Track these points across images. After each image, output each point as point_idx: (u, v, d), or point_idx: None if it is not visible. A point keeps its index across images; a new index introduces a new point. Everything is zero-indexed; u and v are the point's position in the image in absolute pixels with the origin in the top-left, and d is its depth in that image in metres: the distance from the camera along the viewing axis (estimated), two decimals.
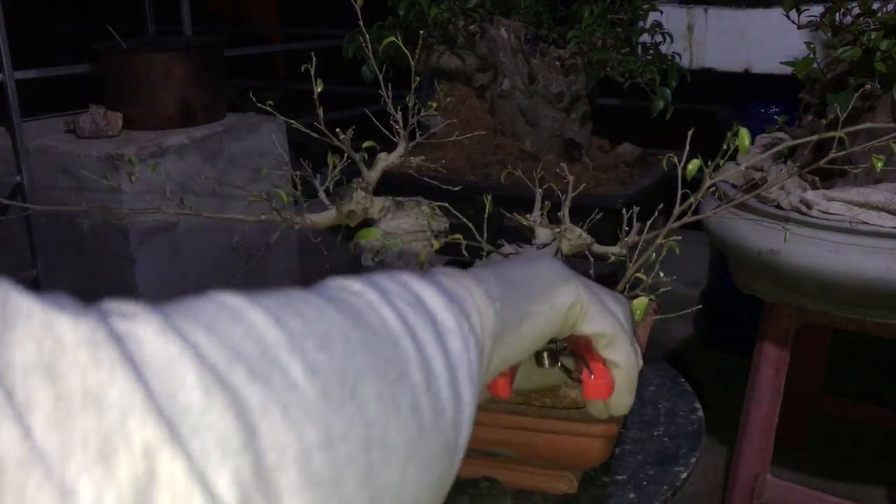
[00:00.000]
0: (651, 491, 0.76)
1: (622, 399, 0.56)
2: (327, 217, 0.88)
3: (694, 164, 0.64)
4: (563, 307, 0.51)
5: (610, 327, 0.53)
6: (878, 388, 2.15)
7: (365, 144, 0.85)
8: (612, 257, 0.79)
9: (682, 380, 0.97)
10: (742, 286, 1.42)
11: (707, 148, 0.87)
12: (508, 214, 0.85)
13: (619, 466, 0.80)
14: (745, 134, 0.59)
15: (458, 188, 0.93)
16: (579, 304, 0.52)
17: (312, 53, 0.85)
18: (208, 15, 4.59)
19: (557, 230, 0.81)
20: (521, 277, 0.51)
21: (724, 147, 0.61)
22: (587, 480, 0.77)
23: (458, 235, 0.82)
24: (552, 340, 0.56)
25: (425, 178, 0.96)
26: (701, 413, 0.90)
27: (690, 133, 0.66)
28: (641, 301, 0.71)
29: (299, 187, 0.90)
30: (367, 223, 0.87)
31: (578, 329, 0.53)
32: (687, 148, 0.64)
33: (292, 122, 0.91)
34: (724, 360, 2.30)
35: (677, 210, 0.67)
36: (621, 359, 0.54)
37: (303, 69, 0.86)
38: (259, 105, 0.90)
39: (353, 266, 0.86)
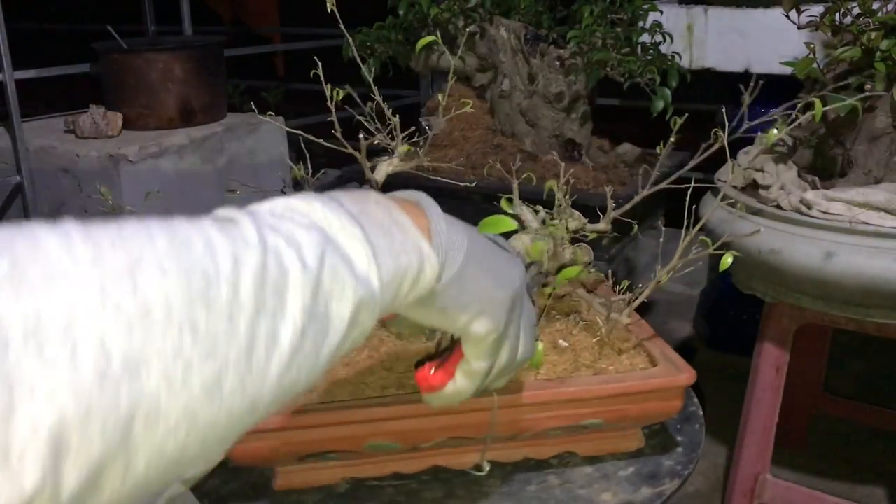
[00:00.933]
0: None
1: (460, 394, 0.61)
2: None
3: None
4: (473, 331, 0.57)
5: (487, 352, 0.58)
6: (878, 388, 2.15)
7: (404, 148, 0.86)
8: (595, 234, 0.88)
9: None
10: (742, 286, 1.41)
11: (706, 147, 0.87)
12: (497, 206, 0.87)
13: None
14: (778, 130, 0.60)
15: (471, 184, 0.93)
16: (485, 336, 0.57)
17: (316, 58, 0.85)
18: (208, 15, 4.59)
19: (545, 212, 0.85)
20: (482, 275, 0.56)
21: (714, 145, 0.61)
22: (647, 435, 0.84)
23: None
24: None
25: (427, 177, 0.96)
26: (700, 412, 0.91)
27: (674, 119, 0.66)
28: (572, 269, 0.78)
29: (307, 189, 0.90)
30: None
31: (468, 325, 0.57)
32: (673, 139, 0.64)
33: (299, 133, 0.91)
34: (724, 360, 2.30)
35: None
36: (479, 365, 0.59)
37: (311, 74, 0.86)
38: (260, 114, 0.90)
39: None
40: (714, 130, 0.82)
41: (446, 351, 0.63)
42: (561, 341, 0.84)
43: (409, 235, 0.50)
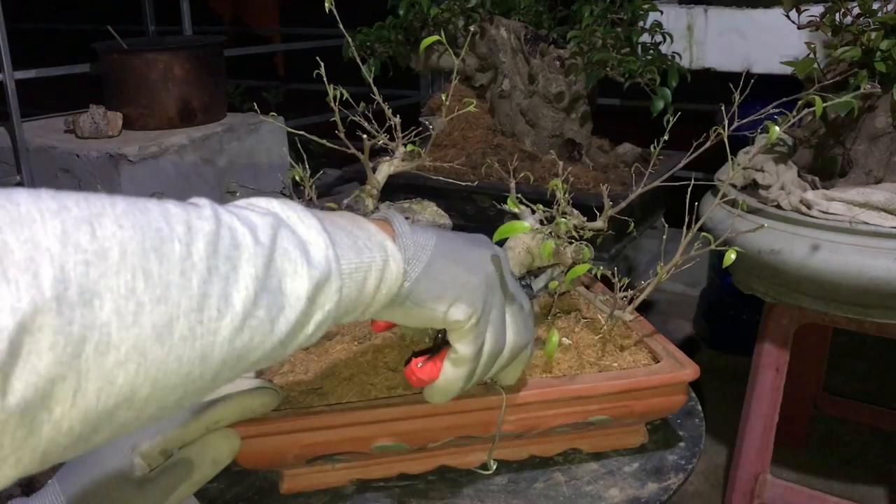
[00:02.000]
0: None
1: (452, 383, 0.62)
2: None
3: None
4: (453, 318, 0.59)
5: (469, 319, 0.59)
6: (878, 388, 2.15)
7: (407, 148, 0.86)
8: (591, 232, 0.88)
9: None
10: (742, 286, 1.42)
11: (706, 148, 0.87)
12: (499, 206, 0.88)
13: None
14: (774, 132, 0.59)
15: (472, 183, 0.93)
16: (465, 321, 0.59)
17: (318, 58, 0.85)
18: (208, 15, 4.59)
19: (544, 211, 0.85)
20: (451, 265, 0.59)
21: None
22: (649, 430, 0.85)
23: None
24: None
25: (425, 178, 0.96)
26: (698, 406, 0.91)
27: (668, 119, 0.66)
28: (580, 268, 0.78)
29: (304, 188, 0.90)
30: None
31: (447, 313, 0.59)
32: (665, 137, 0.64)
33: (300, 133, 0.91)
34: (724, 360, 2.30)
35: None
36: (464, 350, 0.60)
37: (314, 74, 0.86)
38: (261, 116, 0.90)
39: None
40: (714, 128, 0.82)
41: (436, 347, 0.64)
42: (564, 339, 0.84)
43: (372, 236, 0.54)
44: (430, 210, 0.90)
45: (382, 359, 0.81)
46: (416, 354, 0.64)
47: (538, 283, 0.78)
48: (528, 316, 0.67)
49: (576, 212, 0.89)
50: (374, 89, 0.87)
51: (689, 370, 0.78)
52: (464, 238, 0.64)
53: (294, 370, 0.79)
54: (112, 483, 0.59)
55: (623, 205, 0.89)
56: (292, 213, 0.49)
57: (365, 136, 0.86)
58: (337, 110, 0.83)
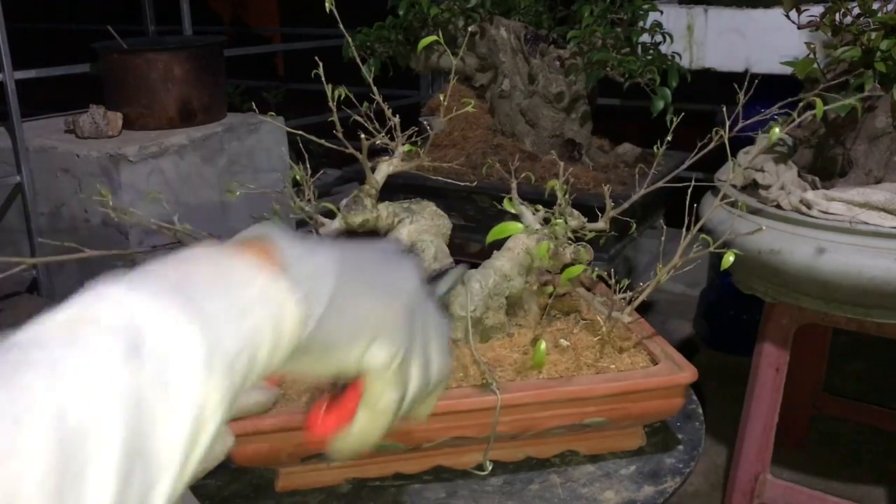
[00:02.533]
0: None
1: (368, 435, 0.50)
2: (332, 230, 0.88)
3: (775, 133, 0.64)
4: (372, 362, 0.47)
5: (389, 363, 0.48)
6: (878, 388, 2.15)
7: (405, 148, 0.86)
8: (593, 233, 0.88)
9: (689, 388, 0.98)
10: (742, 286, 1.41)
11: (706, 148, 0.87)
12: (499, 206, 0.88)
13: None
14: (774, 133, 0.59)
15: (472, 183, 0.93)
16: (388, 363, 0.48)
17: (316, 58, 0.85)
18: (208, 15, 4.59)
19: (545, 212, 0.85)
20: (364, 293, 0.47)
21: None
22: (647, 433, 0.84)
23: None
24: None
25: (425, 178, 0.96)
26: (699, 410, 0.91)
27: (671, 120, 0.66)
28: (575, 269, 0.78)
29: (305, 190, 0.90)
30: (374, 231, 0.88)
31: (365, 355, 0.48)
32: (668, 139, 0.64)
33: (300, 133, 0.91)
34: (724, 360, 2.30)
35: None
36: (387, 396, 0.49)
37: (313, 74, 0.86)
38: (260, 115, 0.91)
39: None
40: (716, 129, 0.82)
41: (339, 388, 0.51)
42: (562, 340, 0.84)
43: (252, 287, 0.41)
44: (428, 210, 0.89)
45: None
46: (322, 399, 0.52)
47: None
48: (448, 336, 0.56)
49: (576, 213, 0.89)
50: (374, 89, 0.87)
51: (687, 373, 0.77)
52: (372, 251, 0.51)
53: None
54: None
55: (625, 206, 0.89)
56: (147, 308, 0.36)
57: (363, 135, 0.86)
58: (335, 110, 0.83)
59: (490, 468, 0.75)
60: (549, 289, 0.89)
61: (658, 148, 0.89)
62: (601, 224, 0.88)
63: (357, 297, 0.47)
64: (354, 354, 0.47)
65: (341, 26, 0.88)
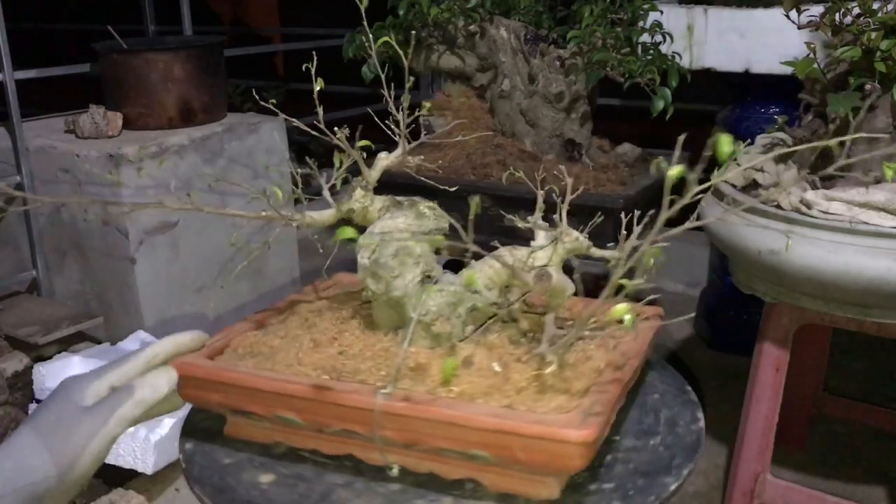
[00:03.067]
0: (636, 501, 0.74)
1: None
2: (327, 215, 0.89)
3: (678, 171, 0.62)
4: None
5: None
6: (878, 388, 2.15)
7: (359, 144, 0.85)
8: (610, 261, 0.78)
9: (689, 388, 0.95)
10: (742, 286, 1.42)
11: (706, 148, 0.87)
12: (508, 216, 0.85)
13: (608, 474, 0.78)
14: (725, 140, 0.58)
15: (454, 188, 0.93)
16: None
17: (314, 53, 0.85)
18: (208, 15, 4.59)
19: (556, 231, 0.81)
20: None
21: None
22: (573, 487, 0.76)
23: (440, 237, 0.84)
24: None
25: (423, 178, 0.96)
26: (702, 424, 0.87)
27: (682, 138, 0.66)
28: (621, 308, 0.67)
29: (300, 185, 0.90)
30: (371, 222, 0.88)
31: None
32: (677, 152, 0.64)
33: (293, 120, 0.91)
34: (724, 360, 2.30)
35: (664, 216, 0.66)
36: None
37: (303, 68, 0.86)
38: (263, 104, 0.90)
39: (352, 265, 0.86)
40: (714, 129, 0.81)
41: None
42: (495, 364, 0.78)
43: None
44: (414, 209, 0.87)
45: (340, 342, 0.85)
46: None
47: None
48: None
49: (574, 233, 0.82)
50: (385, 87, 0.87)
51: (579, 432, 0.68)
52: None
53: (267, 332, 0.88)
54: (68, 411, 0.72)
55: (643, 236, 0.77)
56: None
57: (353, 128, 0.86)
58: (320, 109, 0.83)
59: (396, 471, 0.73)
60: (492, 312, 0.83)
61: (655, 162, 0.85)
62: (615, 253, 0.75)
63: None
64: None
65: (365, 24, 0.87)
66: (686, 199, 0.62)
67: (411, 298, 0.82)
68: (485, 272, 0.82)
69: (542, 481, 0.74)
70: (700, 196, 0.63)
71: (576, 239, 0.82)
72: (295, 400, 0.76)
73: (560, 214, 0.81)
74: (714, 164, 0.62)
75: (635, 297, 0.71)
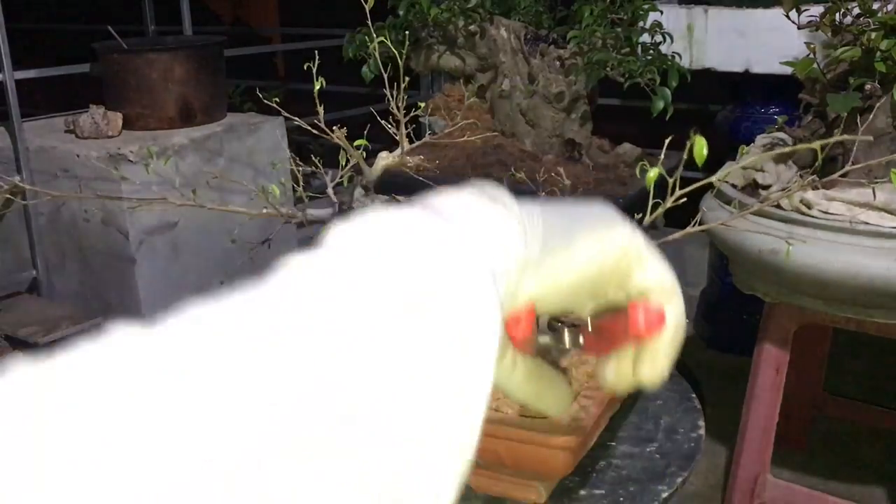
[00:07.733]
0: None
1: (658, 365, 0.43)
2: (327, 213, 0.89)
3: (655, 173, 0.61)
4: (613, 246, 0.42)
5: (670, 279, 0.43)
6: (878, 388, 2.15)
7: (357, 143, 0.85)
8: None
9: (693, 395, 0.94)
10: (742, 286, 1.41)
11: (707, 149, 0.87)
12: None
13: (601, 480, 0.78)
14: (701, 143, 0.57)
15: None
16: (634, 249, 0.42)
17: (316, 52, 0.85)
18: (208, 15, 4.59)
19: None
20: (566, 210, 0.42)
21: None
22: (562, 491, 0.76)
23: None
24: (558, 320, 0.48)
25: (421, 178, 0.96)
26: (702, 432, 0.87)
27: (668, 139, 0.66)
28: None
29: (300, 184, 0.90)
30: None
31: (634, 278, 0.43)
32: (662, 153, 0.64)
33: (296, 119, 0.91)
34: (724, 360, 2.30)
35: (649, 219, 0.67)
36: (673, 317, 0.43)
37: (305, 67, 0.86)
38: (265, 101, 0.91)
39: None
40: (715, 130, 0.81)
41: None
42: None
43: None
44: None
45: None
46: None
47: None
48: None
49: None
50: (387, 86, 0.87)
51: (558, 437, 0.67)
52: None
53: None
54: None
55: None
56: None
57: (350, 128, 0.86)
58: (321, 108, 0.83)
59: None
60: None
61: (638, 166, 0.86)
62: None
63: (563, 217, 0.41)
64: (591, 243, 0.41)
65: (370, 23, 0.88)
66: (668, 203, 0.62)
67: None
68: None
69: (528, 485, 0.74)
70: (684, 197, 0.62)
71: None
72: None
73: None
74: (713, 163, 0.62)
75: None
